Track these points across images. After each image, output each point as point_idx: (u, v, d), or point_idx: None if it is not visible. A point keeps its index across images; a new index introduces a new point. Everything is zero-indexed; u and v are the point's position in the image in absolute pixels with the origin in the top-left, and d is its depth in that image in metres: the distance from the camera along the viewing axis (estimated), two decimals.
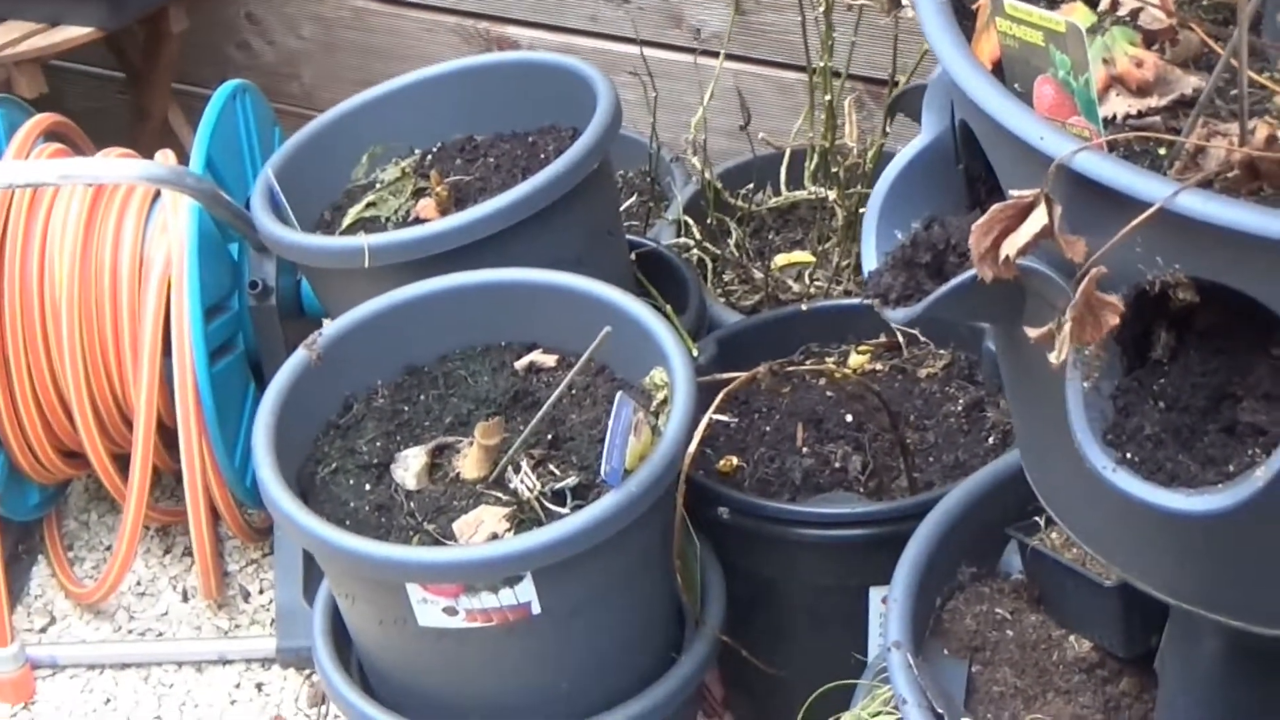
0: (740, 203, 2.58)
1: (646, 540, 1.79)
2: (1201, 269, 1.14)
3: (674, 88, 2.76)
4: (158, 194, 2.31)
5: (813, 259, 2.52)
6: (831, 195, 2.51)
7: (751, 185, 2.62)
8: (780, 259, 2.53)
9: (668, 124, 2.69)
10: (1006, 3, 1.18)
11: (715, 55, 2.67)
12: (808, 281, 2.46)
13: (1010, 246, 1.14)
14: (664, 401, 1.82)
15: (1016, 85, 1.22)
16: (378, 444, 1.87)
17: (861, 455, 2.07)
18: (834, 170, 2.51)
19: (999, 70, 1.25)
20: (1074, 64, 1.15)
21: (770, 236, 2.59)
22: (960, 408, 2.14)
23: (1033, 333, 1.15)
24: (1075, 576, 1.66)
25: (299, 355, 1.91)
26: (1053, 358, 1.14)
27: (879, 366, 2.22)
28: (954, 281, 1.22)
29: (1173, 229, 1.11)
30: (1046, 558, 1.70)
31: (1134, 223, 1.10)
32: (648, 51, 2.62)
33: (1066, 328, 1.12)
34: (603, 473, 1.68)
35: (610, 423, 1.67)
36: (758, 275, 2.45)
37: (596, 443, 1.79)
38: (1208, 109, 1.19)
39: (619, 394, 1.69)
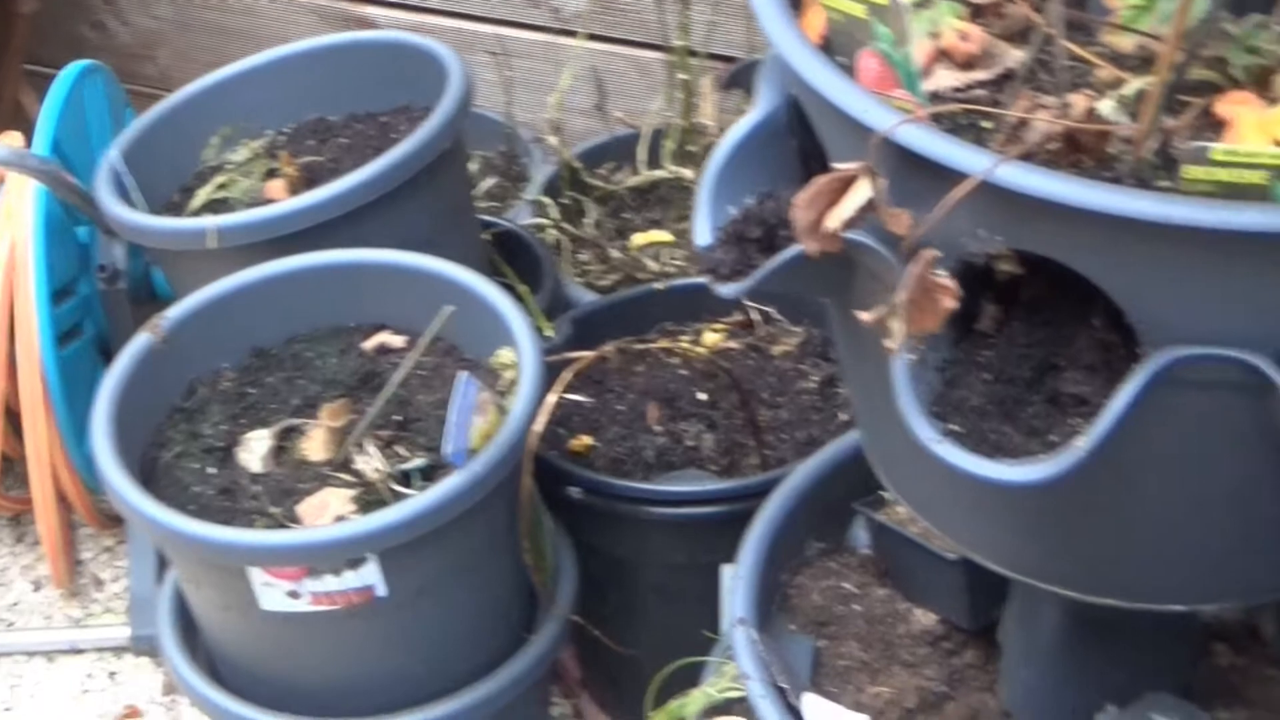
0: (599, 182, 2.57)
1: (494, 521, 1.78)
2: (1024, 241, 1.15)
3: (533, 67, 2.75)
4: (1, 179, 2.27)
5: (671, 239, 2.51)
6: (690, 174, 2.51)
7: (611, 165, 2.62)
8: (638, 238, 2.52)
9: (527, 104, 2.67)
10: None
11: (574, 35, 2.66)
12: (665, 261, 2.46)
13: (834, 220, 1.14)
14: (513, 381, 1.81)
15: (841, 59, 1.22)
16: (223, 427, 1.85)
17: (714, 434, 2.07)
18: (692, 149, 2.51)
19: (827, 46, 1.25)
20: (896, 37, 1.15)
21: (629, 216, 2.58)
22: (814, 385, 2.15)
23: (866, 316, 1.15)
24: (919, 550, 1.67)
25: (141, 338, 1.88)
26: (888, 343, 1.14)
27: (733, 345, 2.22)
28: (782, 256, 1.22)
29: (995, 202, 1.11)
30: (892, 532, 1.71)
31: (954, 195, 1.10)
32: (507, 31, 2.61)
33: (901, 312, 1.12)
34: (445, 452, 1.67)
35: (452, 403, 1.66)
36: (614, 255, 2.44)
37: (445, 424, 1.78)
38: (1031, 82, 1.20)
39: (462, 373, 1.68)
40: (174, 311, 1.92)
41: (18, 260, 2.18)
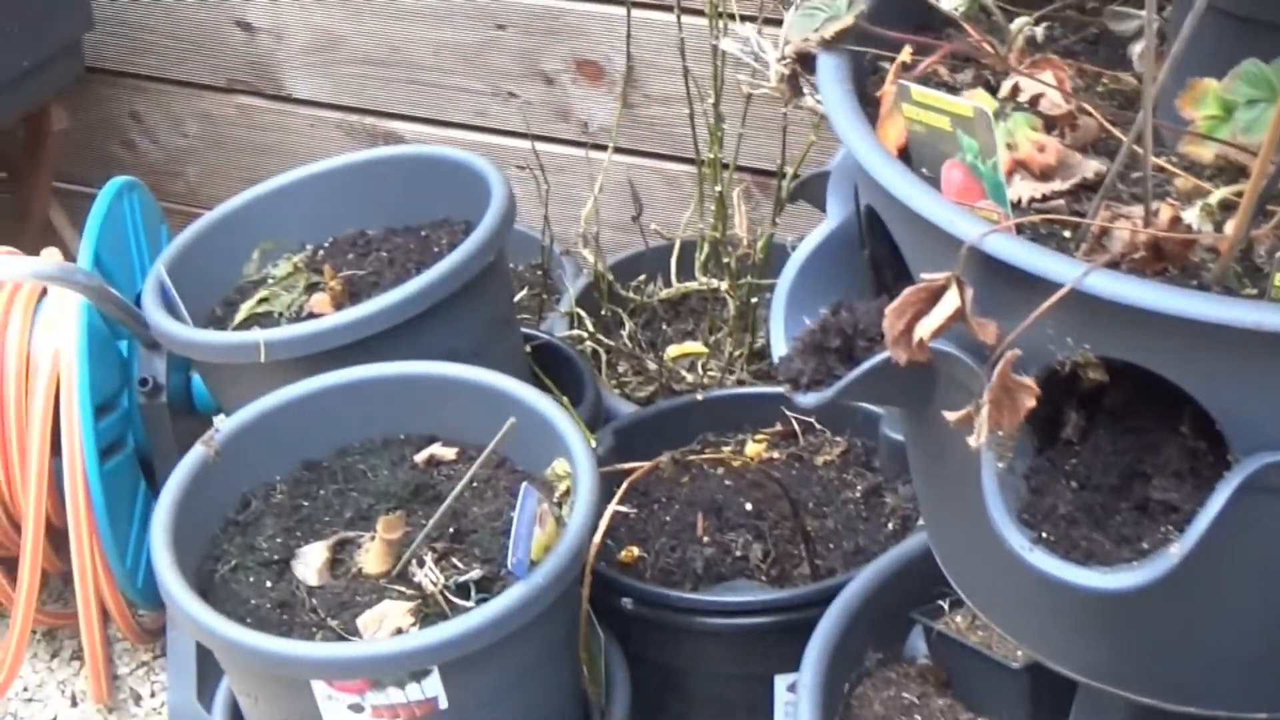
0: (632, 294, 2.59)
1: (552, 632, 1.78)
2: (1111, 349, 1.16)
3: (563, 181, 2.77)
4: (44, 293, 2.28)
5: (705, 350, 2.53)
6: (722, 285, 2.52)
7: (643, 277, 2.64)
8: (673, 350, 2.54)
9: (557, 217, 2.69)
10: (913, 89, 1.20)
11: (604, 149, 2.69)
12: (701, 372, 2.47)
13: (924, 329, 1.15)
14: (566, 492, 1.81)
15: (924, 169, 1.24)
16: (278, 540, 1.85)
17: (762, 543, 2.07)
18: (724, 260, 2.53)
19: (905, 155, 1.27)
20: (981, 148, 1.17)
21: (663, 328, 2.60)
22: (859, 494, 2.15)
23: (951, 416, 1.16)
24: (981, 659, 1.67)
25: (196, 452, 1.88)
26: (971, 441, 1.15)
27: (776, 454, 2.23)
28: (867, 364, 1.23)
29: (1082, 310, 1.12)
30: (952, 640, 1.71)
31: (1047, 303, 1.11)
32: (537, 145, 2.63)
33: (984, 411, 1.13)
34: (509, 564, 1.67)
35: (515, 513, 1.66)
36: (651, 366, 2.46)
37: (499, 535, 1.78)
38: (1110, 192, 1.22)
39: (524, 484, 1.69)
40: (226, 425, 1.92)
41: (63, 374, 2.19)
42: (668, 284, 2.62)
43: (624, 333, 2.53)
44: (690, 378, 2.46)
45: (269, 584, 1.80)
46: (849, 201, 1.40)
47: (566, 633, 1.82)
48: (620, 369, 2.50)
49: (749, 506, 2.12)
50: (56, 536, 2.30)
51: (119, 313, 2.20)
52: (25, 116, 2.95)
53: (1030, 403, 1.15)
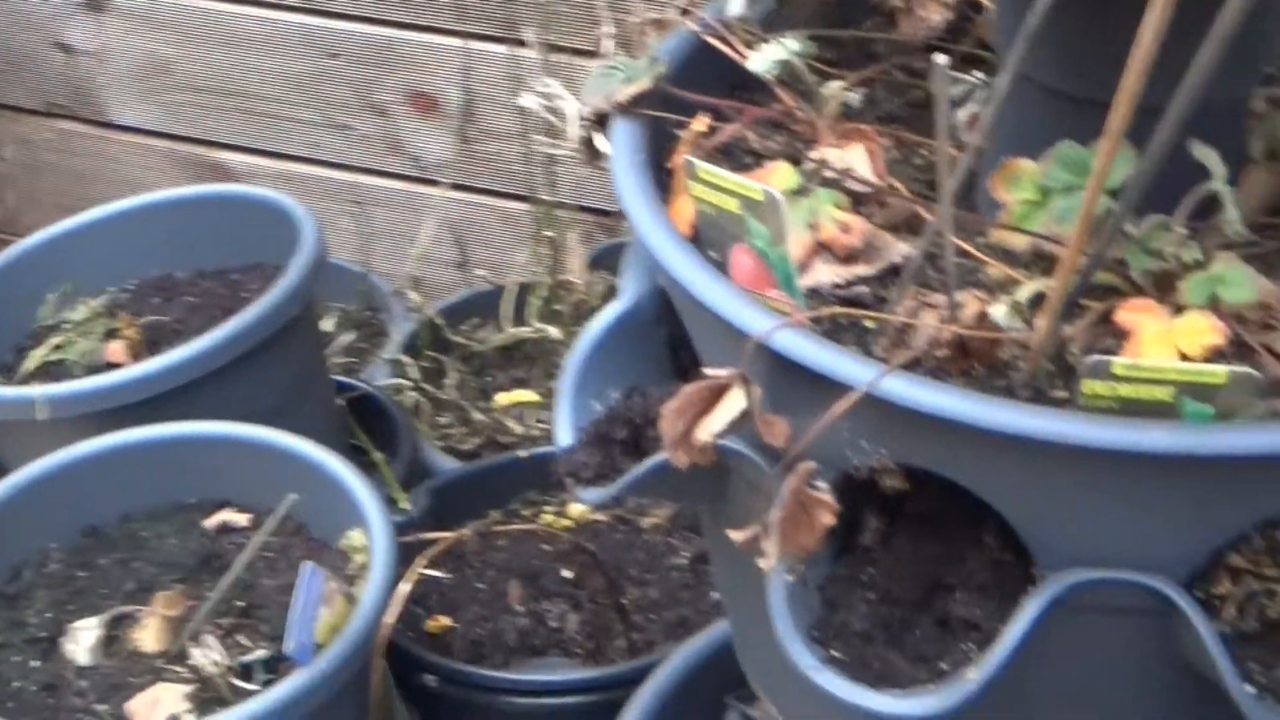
0: (462, 339, 2.48)
1: (344, 717, 1.66)
2: (910, 456, 1.06)
3: (394, 216, 2.66)
4: None
5: (538, 398, 2.42)
6: (556, 333, 2.42)
7: (475, 321, 2.53)
8: (502, 398, 2.42)
9: (388, 254, 2.58)
10: (699, 166, 1.10)
11: (436, 184, 2.58)
12: (530, 424, 2.36)
13: (705, 432, 1.05)
14: (364, 566, 1.70)
15: (713, 253, 1.14)
16: (48, 615, 1.72)
17: (579, 614, 1.97)
18: (558, 307, 2.42)
19: (697, 237, 1.17)
20: (772, 234, 1.07)
21: (493, 375, 2.49)
22: (685, 560, 2.05)
23: (738, 536, 1.06)
24: None
25: None
26: (762, 564, 1.04)
27: (601, 516, 2.12)
28: (647, 464, 1.13)
29: (877, 414, 1.03)
30: None
31: (835, 409, 1.01)
32: (367, 179, 2.52)
33: (775, 531, 1.03)
34: (288, 649, 1.55)
35: (296, 595, 1.54)
36: (477, 417, 2.34)
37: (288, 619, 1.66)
38: (918, 279, 1.12)
39: (306, 564, 1.57)
40: None
41: None
42: (499, 330, 2.50)
43: (449, 381, 2.42)
44: (519, 430, 2.34)
45: (35, 663, 1.67)
46: (646, 277, 1.30)
47: (361, 717, 1.70)
48: (444, 420, 2.38)
49: (567, 574, 2.01)
50: None
51: None
52: None
53: (828, 520, 1.05)
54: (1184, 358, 1.00)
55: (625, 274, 1.30)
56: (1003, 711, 1.09)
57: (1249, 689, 1.04)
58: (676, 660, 1.71)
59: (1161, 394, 0.98)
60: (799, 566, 1.09)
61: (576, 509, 2.14)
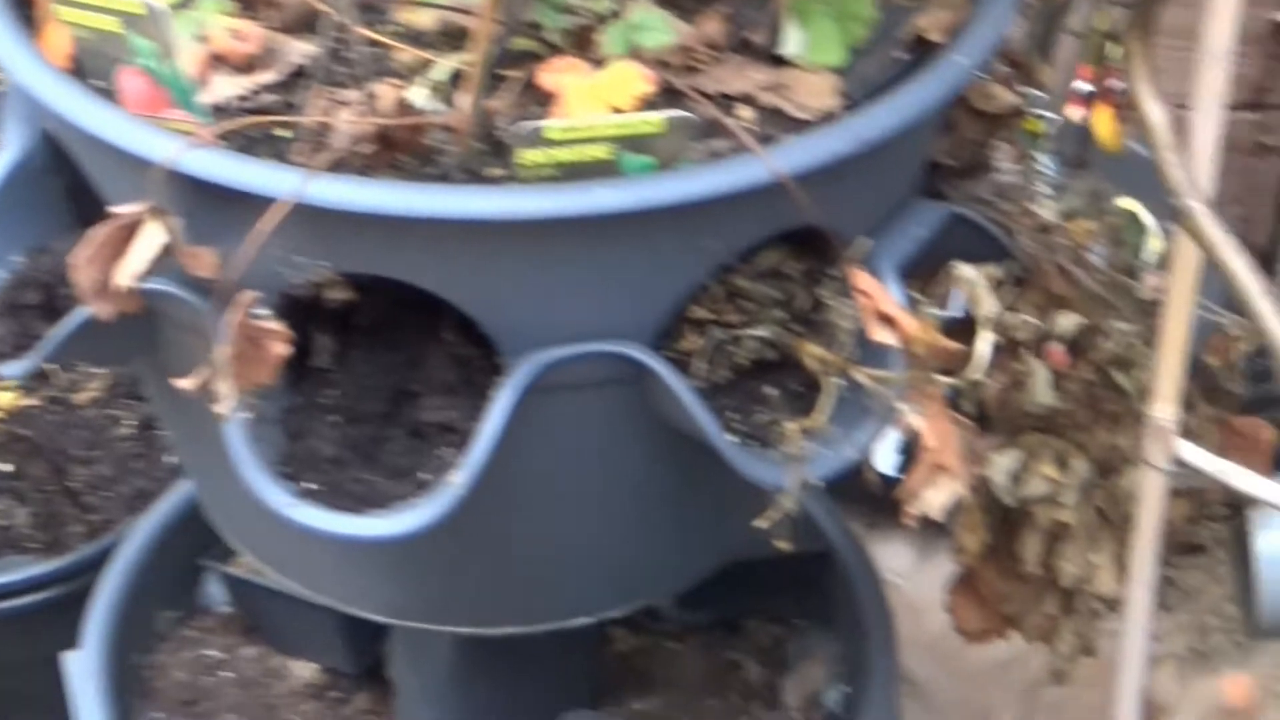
0: None
1: None
2: (349, 262, 1.00)
3: None
4: None
5: None
6: None
7: None
8: None
9: None
10: None
11: None
12: None
13: (124, 275, 0.96)
14: None
15: (99, 81, 1.03)
16: None
17: (27, 508, 1.83)
18: None
19: (79, 69, 1.06)
20: (160, 49, 0.97)
21: None
22: (131, 430, 1.93)
23: (185, 384, 0.97)
24: (285, 599, 1.50)
25: None
26: (218, 409, 0.96)
27: (32, 401, 1.97)
28: (67, 323, 1.03)
29: (309, 223, 0.96)
30: (250, 584, 1.54)
31: (262, 225, 0.94)
32: None
33: (226, 370, 0.95)
34: None
35: None
36: None
37: None
38: (328, 77, 1.05)
39: None
40: None
41: None
42: None
43: None
44: None
45: None
46: (29, 124, 1.17)
47: None
48: None
49: (6, 467, 1.87)
50: None
51: None
52: None
53: (281, 349, 0.98)
54: (616, 112, 0.96)
55: (9, 121, 1.17)
56: (495, 510, 1.05)
57: (731, 438, 1.03)
58: (138, 535, 1.60)
59: (600, 152, 0.94)
60: (255, 402, 1.01)
61: (5, 397, 1.98)
